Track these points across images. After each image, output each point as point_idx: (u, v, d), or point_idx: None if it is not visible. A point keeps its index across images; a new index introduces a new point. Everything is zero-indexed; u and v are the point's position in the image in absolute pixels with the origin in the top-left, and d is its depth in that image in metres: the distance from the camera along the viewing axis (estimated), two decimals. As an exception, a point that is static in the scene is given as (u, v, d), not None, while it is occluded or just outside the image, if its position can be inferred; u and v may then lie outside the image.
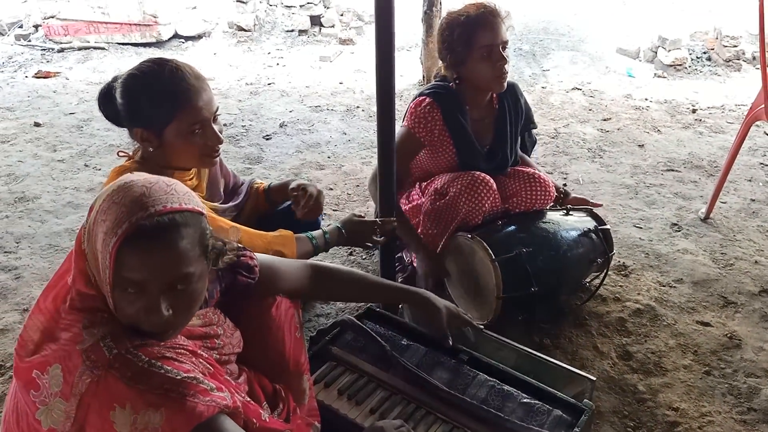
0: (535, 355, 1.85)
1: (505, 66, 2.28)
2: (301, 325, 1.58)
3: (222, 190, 2.15)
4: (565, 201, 2.61)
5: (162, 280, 1.07)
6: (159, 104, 1.67)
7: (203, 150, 1.75)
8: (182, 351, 1.12)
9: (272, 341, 1.47)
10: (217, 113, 1.77)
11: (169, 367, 1.06)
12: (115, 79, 1.76)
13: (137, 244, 1.04)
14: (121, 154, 1.89)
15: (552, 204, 2.54)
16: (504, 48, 2.28)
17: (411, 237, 2.40)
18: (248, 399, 1.25)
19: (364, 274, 1.83)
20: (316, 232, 2.04)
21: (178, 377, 1.05)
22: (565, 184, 2.65)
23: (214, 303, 1.39)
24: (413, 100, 2.45)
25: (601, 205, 2.59)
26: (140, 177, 1.11)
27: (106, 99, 1.76)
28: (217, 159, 1.84)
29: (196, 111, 1.69)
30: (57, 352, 1.06)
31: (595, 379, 1.70)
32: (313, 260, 1.73)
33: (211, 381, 1.11)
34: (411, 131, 2.39)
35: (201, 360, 1.15)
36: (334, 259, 2.84)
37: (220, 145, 1.79)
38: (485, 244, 2.19)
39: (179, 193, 1.12)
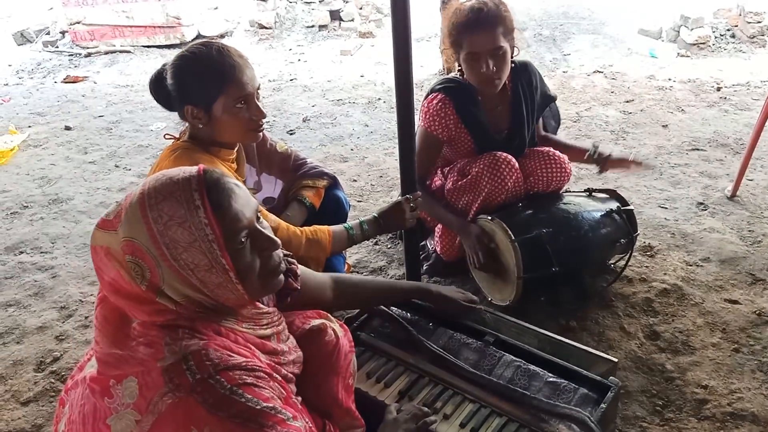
0: (555, 338, 1.85)
1: (496, 71, 2.23)
2: (355, 372, 1.58)
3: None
4: (605, 165, 2.48)
5: (254, 212, 1.13)
6: (208, 80, 1.77)
7: (248, 124, 1.85)
8: (261, 374, 1.12)
9: (327, 387, 1.46)
10: (259, 89, 1.88)
11: (249, 396, 1.06)
12: (164, 64, 1.86)
13: (221, 198, 1.08)
14: (167, 136, 1.99)
15: (591, 160, 2.49)
16: (496, 53, 2.21)
17: (442, 214, 2.44)
18: (311, 426, 1.24)
19: (377, 279, 1.93)
20: (353, 222, 2.10)
21: (258, 407, 1.06)
22: (596, 149, 2.49)
23: (273, 303, 1.40)
24: (425, 97, 2.48)
25: (641, 164, 2.46)
26: (145, 182, 1.11)
27: (157, 83, 1.87)
28: (261, 134, 1.94)
29: (241, 86, 1.79)
30: (135, 366, 1.07)
31: (617, 360, 1.71)
32: (333, 273, 1.78)
33: (287, 409, 1.12)
34: (428, 131, 2.41)
35: (276, 383, 1.16)
36: (360, 249, 2.88)
37: (263, 119, 1.89)
38: (505, 225, 2.21)
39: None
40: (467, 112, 2.38)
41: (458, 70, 2.40)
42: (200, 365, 1.05)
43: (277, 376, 1.18)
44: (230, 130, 1.85)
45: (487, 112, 2.42)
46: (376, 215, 2.12)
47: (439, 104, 2.38)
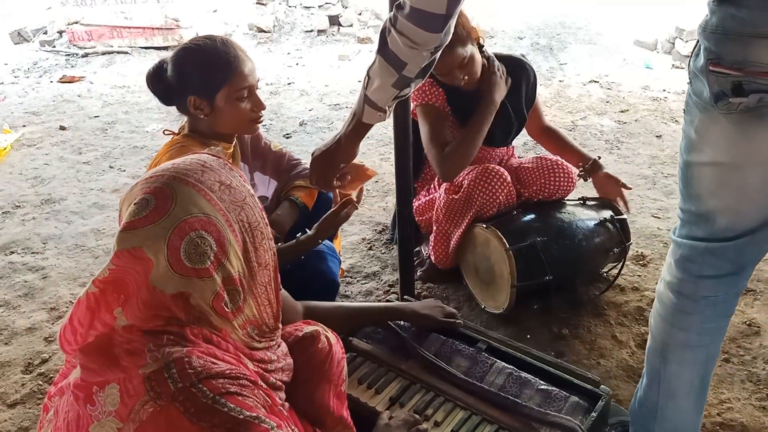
0: (540, 358, 1.84)
1: (468, 77, 2.30)
2: (347, 378, 1.57)
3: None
4: (594, 175, 2.57)
5: None
6: (213, 71, 1.84)
7: (249, 115, 1.93)
8: (245, 382, 1.10)
9: (319, 395, 1.45)
10: (258, 84, 1.95)
11: (232, 405, 1.04)
12: (163, 60, 1.92)
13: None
14: (166, 132, 2.05)
15: (582, 173, 2.57)
16: (463, 63, 2.26)
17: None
18: None
19: (349, 305, 2.00)
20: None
21: (241, 416, 1.03)
22: (599, 157, 2.62)
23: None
24: None
25: (630, 189, 2.55)
26: (160, 173, 1.12)
27: (155, 76, 1.91)
28: (259, 126, 2.02)
29: (244, 77, 1.87)
30: (117, 373, 1.05)
31: (599, 379, 1.70)
32: (306, 302, 1.75)
33: (272, 418, 1.09)
34: (424, 104, 2.40)
35: (261, 391, 1.14)
36: (354, 254, 2.87)
37: (263, 111, 1.96)
38: (499, 233, 2.22)
39: None
40: (454, 97, 2.41)
41: None
42: (182, 373, 1.03)
43: (262, 383, 1.16)
44: (232, 120, 1.92)
45: (468, 100, 2.44)
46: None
47: (427, 85, 2.40)
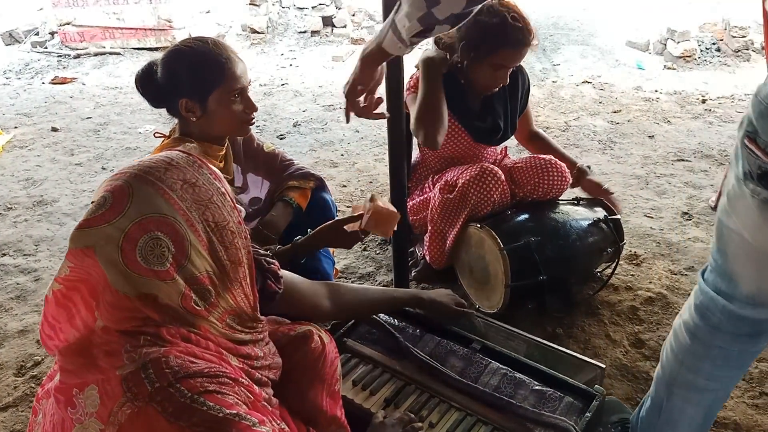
0: (544, 344, 1.88)
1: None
2: (340, 378, 1.57)
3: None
4: (581, 182, 2.61)
5: None
6: (205, 73, 1.82)
7: (241, 117, 1.92)
8: (225, 380, 1.08)
9: (311, 394, 1.45)
10: (249, 85, 1.94)
11: (212, 403, 1.02)
12: (152, 61, 1.89)
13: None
14: (157, 134, 2.03)
15: (572, 173, 2.59)
16: (515, 66, 2.36)
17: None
18: (285, 427, 1.21)
19: (372, 288, 1.95)
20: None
21: (221, 414, 1.02)
22: (588, 166, 2.64)
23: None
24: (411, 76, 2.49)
25: (613, 193, 2.58)
26: (124, 172, 1.11)
27: (145, 79, 1.88)
28: (251, 128, 2.00)
29: (235, 79, 1.85)
30: (95, 375, 1.04)
31: (605, 366, 1.72)
32: (326, 281, 1.74)
33: (253, 414, 1.08)
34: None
35: (242, 388, 1.12)
36: (348, 255, 2.87)
37: (255, 112, 1.95)
38: (494, 233, 2.22)
39: None
40: (447, 86, 2.40)
41: (457, 63, 2.40)
42: (159, 373, 1.01)
43: (244, 380, 1.15)
44: (224, 122, 1.90)
45: (465, 92, 2.48)
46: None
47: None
